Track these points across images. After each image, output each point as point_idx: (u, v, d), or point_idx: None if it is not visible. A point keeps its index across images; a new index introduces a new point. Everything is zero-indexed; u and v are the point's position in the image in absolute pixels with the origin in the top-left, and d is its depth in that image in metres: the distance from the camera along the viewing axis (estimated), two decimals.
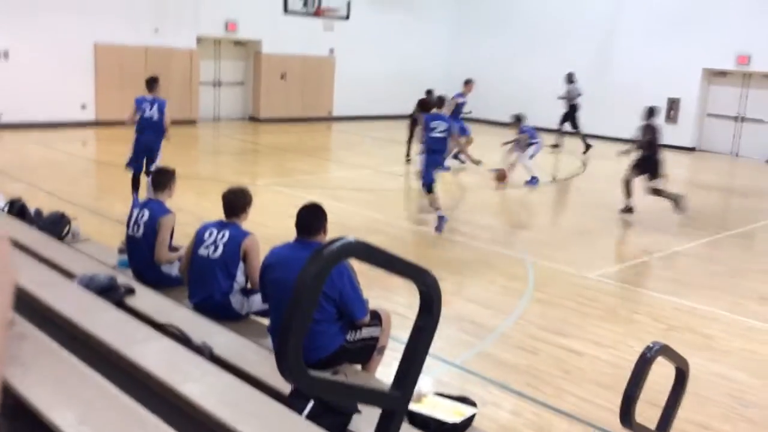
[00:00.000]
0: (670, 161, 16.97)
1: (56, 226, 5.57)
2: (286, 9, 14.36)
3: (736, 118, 18.15)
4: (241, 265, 4.37)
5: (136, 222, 4.85)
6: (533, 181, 12.23)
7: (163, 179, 5.12)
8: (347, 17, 15.49)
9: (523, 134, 12.19)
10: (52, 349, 2.77)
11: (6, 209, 5.82)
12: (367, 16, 19.41)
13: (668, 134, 18.58)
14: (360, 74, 20.02)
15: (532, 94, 17.60)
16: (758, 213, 11.52)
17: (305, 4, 14.68)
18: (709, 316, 6.45)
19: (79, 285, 3.93)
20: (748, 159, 17.71)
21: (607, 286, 7.18)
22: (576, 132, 16.80)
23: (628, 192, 10.16)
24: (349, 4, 15.21)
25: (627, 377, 2.98)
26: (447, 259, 7.71)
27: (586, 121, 18.96)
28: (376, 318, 3.94)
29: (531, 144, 12.13)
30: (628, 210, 10.22)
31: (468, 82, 13.67)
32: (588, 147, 16.47)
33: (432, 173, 8.93)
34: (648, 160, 9.91)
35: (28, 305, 3.39)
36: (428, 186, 8.90)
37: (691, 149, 18.52)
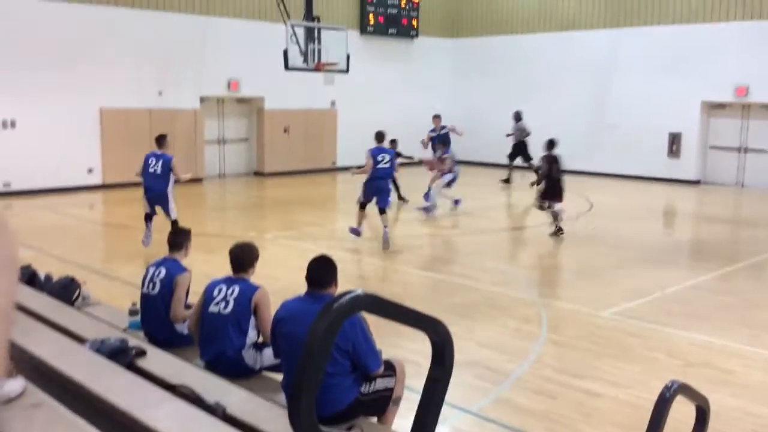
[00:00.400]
0: (674, 195, 17.16)
1: (66, 290, 5.58)
2: (286, 66, 14.60)
3: (738, 150, 18.21)
4: (252, 319, 4.36)
5: (151, 279, 4.90)
6: (427, 209, 13.09)
7: (179, 239, 5.23)
8: (347, 70, 15.73)
9: (448, 155, 13.42)
10: (65, 416, 2.75)
11: None
12: (366, 68, 19.71)
13: (672, 168, 18.75)
14: (362, 124, 20.16)
15: (534, 136, 17.72)
16: None
17: (305, 60, 14.91)
18: (727, 350, 6.36)
19: (90, 349, 3.92)
20: (754, 189, 17.69)
21: (621, 324, 7.10)
22: (520, 165, 18.13)
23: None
24: (348, 58, 15.46)
25: (647, 417, 2.93)
26: (456, 304, 7.65)
27: (587, 159, 19.10)
28: (390, 368, 3.90)
29: (450, 171, 13.26)
30: (558, 231, 11.13)
31: (435, 117, 15.55)
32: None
33: (388, 200, 10.40)
34: (551, 187, 11.00)
35: (40, 372, 3.38)
36: (382, 209, 10.21)
37: (696, 182, 18.53)
